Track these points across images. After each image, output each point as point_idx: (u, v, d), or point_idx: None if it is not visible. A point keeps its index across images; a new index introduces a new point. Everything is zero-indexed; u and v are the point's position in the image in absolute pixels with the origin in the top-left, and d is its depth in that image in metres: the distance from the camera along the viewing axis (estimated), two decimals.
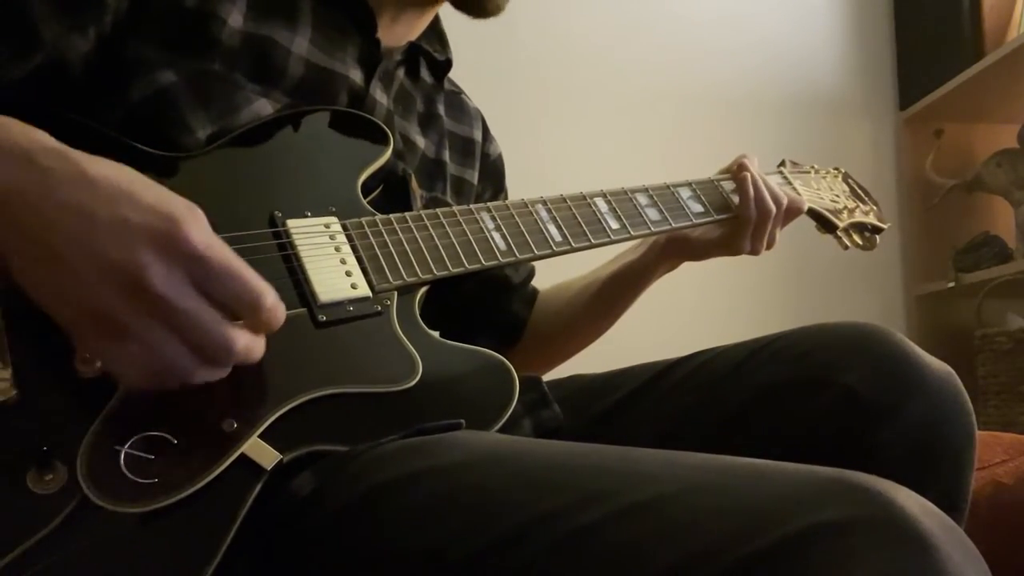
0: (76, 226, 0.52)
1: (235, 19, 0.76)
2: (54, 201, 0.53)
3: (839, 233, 1.10)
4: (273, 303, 0.56)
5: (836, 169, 1.19)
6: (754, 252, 1.00)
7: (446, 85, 1.02)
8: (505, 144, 1.10)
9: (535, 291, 1.12)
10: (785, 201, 1.00)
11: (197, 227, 0.54)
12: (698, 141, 2.01)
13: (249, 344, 0.56)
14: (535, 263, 1.04)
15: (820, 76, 2.20)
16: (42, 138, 0.56)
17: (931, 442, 0.69)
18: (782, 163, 1.12)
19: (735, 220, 0.98)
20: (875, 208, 1.17)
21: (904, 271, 2.17)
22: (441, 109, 0.99)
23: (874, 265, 2.13)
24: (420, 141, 0.94)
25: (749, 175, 0.98)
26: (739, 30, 2.14)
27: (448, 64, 1.00)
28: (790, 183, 1.08)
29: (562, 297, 1.09)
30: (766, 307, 2.00)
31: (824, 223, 1.10)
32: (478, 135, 1.05)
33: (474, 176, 1.02)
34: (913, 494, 0.43)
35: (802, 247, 1.99)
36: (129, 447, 0.55)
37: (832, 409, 0.70)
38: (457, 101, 1.04)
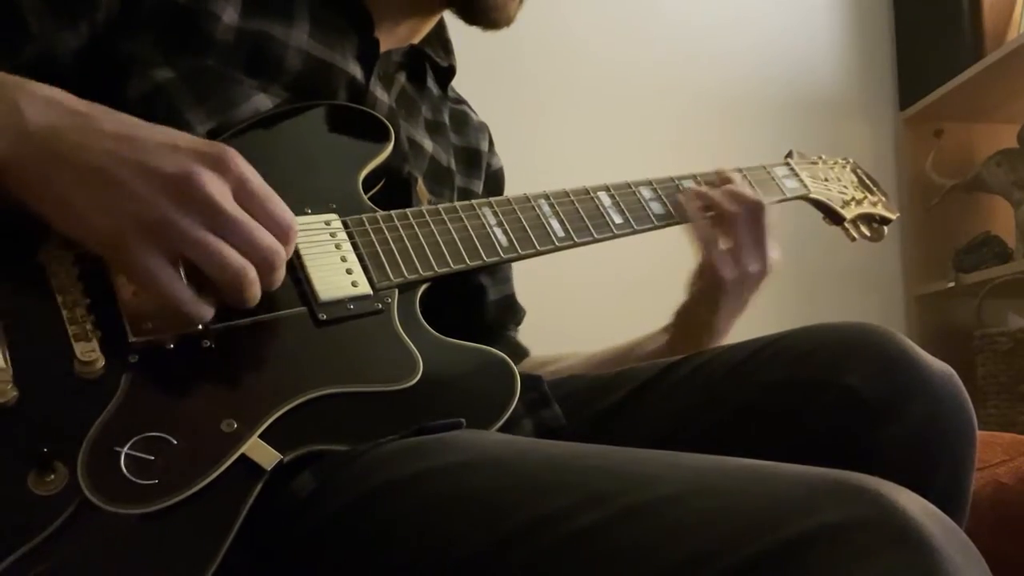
0: (127, 150, 0.58)
1: (229, 15, 0.76)
2: (101, 133, 0.58)
3: (846, 225, 1.09)
4: (297, 231, 0.63)
5: (844, 159, 1.17)
6: (744, 275, 0.90)
7: (450, 93, 1.02)
8: (508, 147, 1.10)
9: (523, 348, 1.06)
10: (745, 203, 0.91)
11: (241, 157, 0.60)
12: (699, 142, 2.01)
13: (284, 256, 0.62)
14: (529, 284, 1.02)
15: (820, 76, 2.20)
16: (67, 97, 0.60)
17: (932, 443, 0.69)
18: (789, 154, 1.10)
19: (698, 247, 0.91)
20: (883, 199, 1.15)
21: (904, 271, 2.17)
22: (446, 121, 0.99)
23: (874, 265, 2.13)
24: (428, 145, 0.93)
25: (693, 190, 0.92)
26: (739, 31, 2.14)
27: (451, 71, 1.00)
28: (797, 175, 1.06)
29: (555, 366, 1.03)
30: (766, 307, 1.99)
31: (831, 215, 1.09)
32: (484, 146, 1.04)
33: (479, 187, 1.02)
34: (914, 495, 0.43)
35: (802, 247, 1.99)
36: (129, 448, 0.55)
37: (832, 410, 0.70)
38: (461, 115, 1.03)
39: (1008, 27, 2.03)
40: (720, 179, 0.96)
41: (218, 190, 0.58)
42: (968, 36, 2.02)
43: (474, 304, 1.00)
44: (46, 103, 0.59)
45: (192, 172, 0.57)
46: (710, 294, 0.91)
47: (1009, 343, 1.82)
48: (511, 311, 1.05)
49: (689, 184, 0.95)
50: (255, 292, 0.60)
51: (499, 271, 1.02)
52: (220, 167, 0.59)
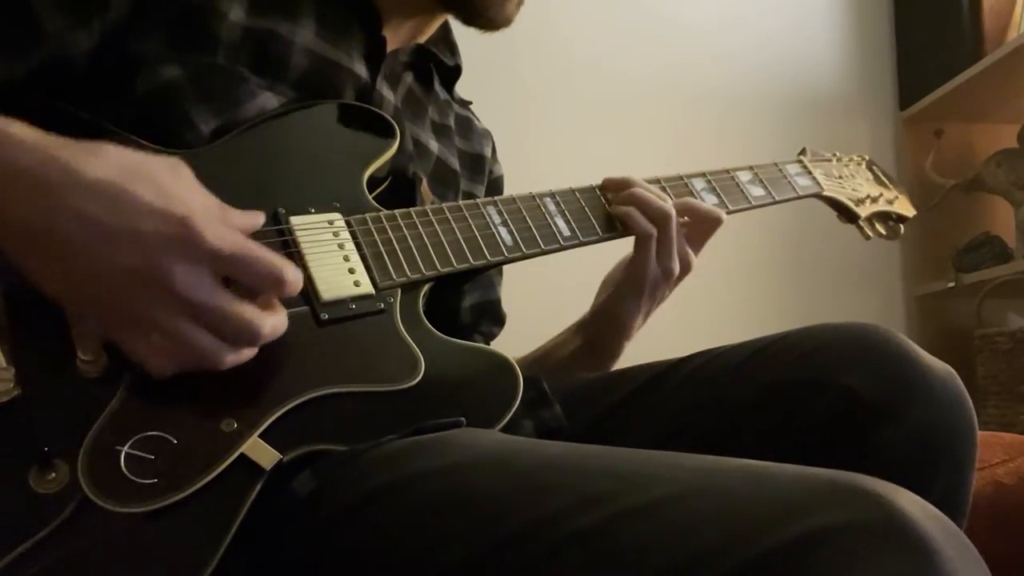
0: (89, 239, 0.55)
1: (236, 13, 0.76)
2: (57, 211, 0.55)
3: (861, 223, 1.08)
4: (294, 275, 0.59)
5: (860, 156, 1.16)
6: (667, 271, 0.88)
7: (456, 96, 1.02)
8: (508, 150, 1.10)
9: None
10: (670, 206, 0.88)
11: (206, 222, 0.56)
12: (699, 142, 2.01)
13: (275, 324, 0.60)
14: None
15: (820, 76, 2.20)
16: (21, 135, 0.57)
17: (932, 443, 0.69)
18: (802, 151, 1.09)
19: (636, 245, 0.89)
20: (900, 196, 1.14)
21: (904, 271, 2.17)
22: (452, 124, 0.99)
23: (874, 265, 2.13)
24: (433, 146, 0.93)
25: (624, 194, 0.89)
26: (739, 32, 2.14)
27: (457, 71, 1.00)
28: (810, 172, 1.05)
29: None
30: (766, 307, 1.99)
31: (845, 213, 1.07)
32: (488, 152, 1.04)
33: (482, 192, 1.02)
34: (914, 496, 0.43)
35: (802, 247, 2.00)
36: (129, 447, 0.55)
37: (833, 410, 0.70)
38: (466, 121, 1.03)
39: (1008, 27, 2.03)
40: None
41: (187, 279, 0.55)
42: (968, 36, 2.01)
43: (445, 307, 0.96)
44: (12, 176, 0.55)
45: (157, 266, 0.55)
46: (631, 291, 0.90)
47: (1009, 343, 1.82)
48: (486, 317, 1.02)
49: (699, 182, 0.94)
50: (231, 364, 0.59)
51: (483, 275, 1.00)
52: (189, 250, 0.56)
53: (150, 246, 0.55)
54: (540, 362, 0.99)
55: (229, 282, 0.58)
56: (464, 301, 0.99)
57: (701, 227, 0.91)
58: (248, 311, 0.58)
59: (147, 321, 0.55)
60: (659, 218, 0.87)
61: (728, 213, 0.93)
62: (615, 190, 0.90)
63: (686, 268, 0.90)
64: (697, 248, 0.92)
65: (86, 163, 0.56)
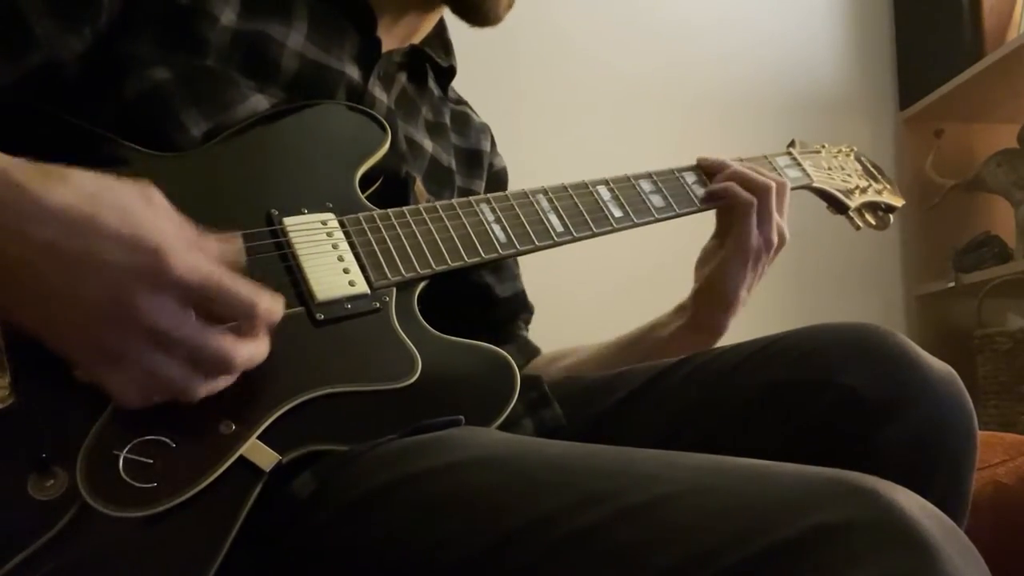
0: (54, 267, 0.53)
1: (227, 16, 0.76)
2: (22, 243, 0.52)
3: (851, 213, 1.08)
4: (267, 307, 0.58)
5: (848, 147, 1.16)
6: (768, 241, 0.93)
7: (451, 94, 1.02)
8: (507, 149, 1.10)
9: (533, 346, 1.05)
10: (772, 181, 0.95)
11: (175, 251, 0.54)
12: (699, 142, 1.98)
13: (251, 352, 0.58)
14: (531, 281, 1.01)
15: (820, 76, 2.20)
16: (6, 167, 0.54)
17: (932, 443, 0.68)
18: (791, 143, 1.10)
19: (733, 212, 0.93)
20: (888, 186, 1.14)
21: (904, 271, 2.17)
22: (447, 122, 0.99)
23: (874, 265, 2.13)
24: (428, 144, 0.93)
25: (726, 172, 0.95)
26: (739, 32, 2.14)
27: (452, 71, 1.00)
28: (799, 163, 1.06)
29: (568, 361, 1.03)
30: (766, 307, 1.98)
31: (835, 204, 1.08)
32: (486, 146, 1.04)
33: (481, 187, 1.02)
34: (913, 495, 0.43)
35: (802, 247, 1.99)
36: (128, 451, 0.55)
37: (833, 410, 0.70)
38: (462, 116, 1.03)
39: (1008, 27, 2.03)
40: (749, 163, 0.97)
41: (155, 311, 0.53)
42: (968, 36, 2.01)
43: (482, 303, 1.00)
44: None
45: (124, 299, 0.53)
46: (735, 264, 0.92)
47: (1009, 343, 1.82)
48: (521, 308, 1.05)
49: (691, 176, 0.95)
50: (206, 394, 0.57)
51: (504, 268, 1.02)
52: (157, 281, 0.54)
53: (114, 277, 0.53)
54: (635, 345, 0.99)
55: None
56: (496, 294, 1.00)
57: (779, 196, 0.95)
58: (221, 340, 0.56)
59: (115, 354, 0.54)
60: (758, 188, 0.93)
61: (721, 205, 0.95)
62: (712, 171, 0.96)
63: (783, 239, 0.95)
64: (781, 216, 0.95)
65: (50, 189, 0.53)
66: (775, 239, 0.93)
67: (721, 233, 0.95)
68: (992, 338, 1.86)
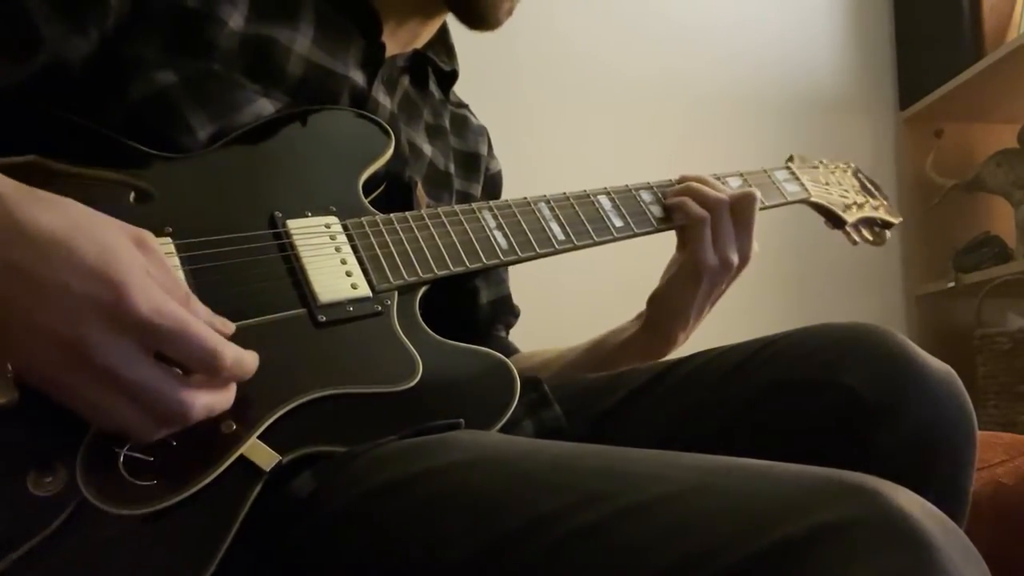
0: (16, 291, 0.51)
1: (235, 21, 0.76)
2: None
3: (848, 229, 1.09)
4: (233, 360, 0.55)
5: (846, 164, 1.17)
6: (725, 261, 0.90)
7: (452, 98, 1.02)
8: (507, 152, 1.10)
9: (510, 347, 1.06)
10: (726, 195, 0.92)
11: (141, 289, 0.52)
12: (700, 143, 2.01)
13: (210, 402, 0.56)
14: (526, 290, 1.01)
15: (820, 76, 2.20)
16: None
17: (932, 443, 0.68)
18: (790, 158, 1.11)
19: (685, 228, 0.91)
20: (885, 203, 1.15)
21: (904, 271, 2.17)
22: (447, 125, 0.99)
23: (874, 265, 2.13)
24: (427, 149, 0.93)
25: (678, 187, 0.93)
26: (740, 32, 2.14)
27: (454, 75, 1.00)
28: (797, 178, 1.06)
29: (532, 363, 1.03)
30: (766, 307, 1.99)
31: (832, 219, 1.09)
32: (483, 149, 1.05)
33: (478, 190, 1.02)
34: (913, 495, 0.43)
35: (802, 248, 2.00)
36: (128, 449, 0.55)
37: (832, 410, 0.70)
38: (462, 119, 1.04)
39: (1008, 27, 2.03)
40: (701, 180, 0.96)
41: (112, 352, 0.51)
42: (968, 36, 2.01)
43: (466, 306, 1.01)
44: None
45: (80, 335, 0.51)
46: (688, 280, 0.91)
47: (1009, 343, 1.82)
48: (504, 311, 1.06)
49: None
50: (160, 437, 0.55)
51: (493, 273, 1.03)
52: (117, 318, 0.51)
53: (75, 308, 0.51)
54: (595, 349, 0.99)
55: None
56: (481, 299, 1.01)
57: (740, 210, 0.92)
58: (176, 389, 0.53)
59: (67, 387, 0.52)
60: (711, 205, 0.90)
61: None
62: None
63: (745, 258, 0.92)
64: (745, 234, 0.92)
65: (35, 214, 0.52)
66: (734, 258, 0.90)
67: (680, 241, 0.94)
68: (992, 338, 1.86)
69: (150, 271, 0.54)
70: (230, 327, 0.59)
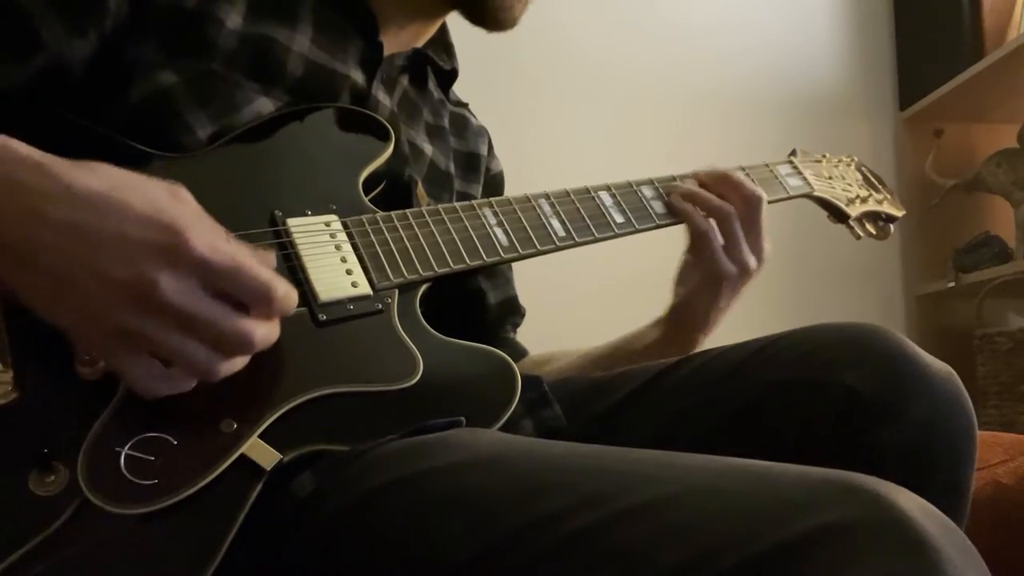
0: (74, 246, 0.53)
1: (233, 20, 0.76)
2: (44, 223, 0.53)
3: (851, 223, 1.08)
4: (285, 291, 0.58)
5: (848, 157, 1.16)
6: (743, 267, 0.90)
7: (451, 97, 1.02)
8: (507, 150, 1.10)
9: (520, 348, 1.06)
10: (741, 195, 0.92)
11: (197, 231, 0.55)
12: (700, 143, 2.01)
13: (267, 333, 0.58)
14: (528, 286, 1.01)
15: (820, 76, 2.20)
16: (17, 149, 0.55)
17: (932, 443, 0.69)
18: (793, 152, 1.10)
19: (695, 237, 0.91)
20: (889, 196, 1.14)
21: (904, 271, 2.17)
22: (446, 125, 0.99)
23: (874, 265, 2.13)
24: (427, 149, 0.93)
25: (682, 191, 0.92)
26: (740, 32, 2.14)
27: (454, 74, 1.00)
28: (800, 172, 1.06)
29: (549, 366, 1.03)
30: (766, 307, 1.99)
31: (835, 213, 1.08)
32: (483, 149, 1.04)
33: (478, 191, 1.02)
34: (914, 496, 0.43)
35: (802, 247, 2.00)
36: (129, 448, 0.55)
37: (832, 410, 0.70)
38: (461, 119, 1.03)
39: (1008, 27, 2.03)
40: (718, 176, 0.95)
41: (176, 290, 0.54)
42: (968, 36, 2.01)
43: (474, 306, 1.01)
44: (6, 189, 0.54)
45: (144, 276, 0.53)
46: (708, 288, 0.91)
47: (1009, 343, 1.82)
48: (512, 312, 1.06)
49: (690, 183, 0.95)
50: (227, 373, 0.58)
51: (498, 273, 1.03)
52: (175, 258, 0.54)
53: (136, 252, 0.53)
54: (612, 354, 0.99)
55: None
56: (490, 300, 1.01)
57: (747, 214, 0.92)
58: (239, 319, 0.56)
59: (135, 334, 0.53)
60: (718, 215, 0.90)
61: None
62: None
63: (761, 258, 0.92)
64: (756, 237, 0.92)
65: (80, 176, 0.55)
66: (750, 261, 0.91)
67: (692, 251, 0.93)
68: (992, 338, 1.86)
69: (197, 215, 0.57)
70: (272, 259, 0.60)
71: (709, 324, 0.93)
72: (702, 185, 0.94)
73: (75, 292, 0.53)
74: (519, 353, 1.04)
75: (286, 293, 0.58)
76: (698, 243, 0.91)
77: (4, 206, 0.53)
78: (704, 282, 0.91)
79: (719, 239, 0.90)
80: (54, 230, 0.53)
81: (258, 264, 0.57)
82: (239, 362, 0.58)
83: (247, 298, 0.56)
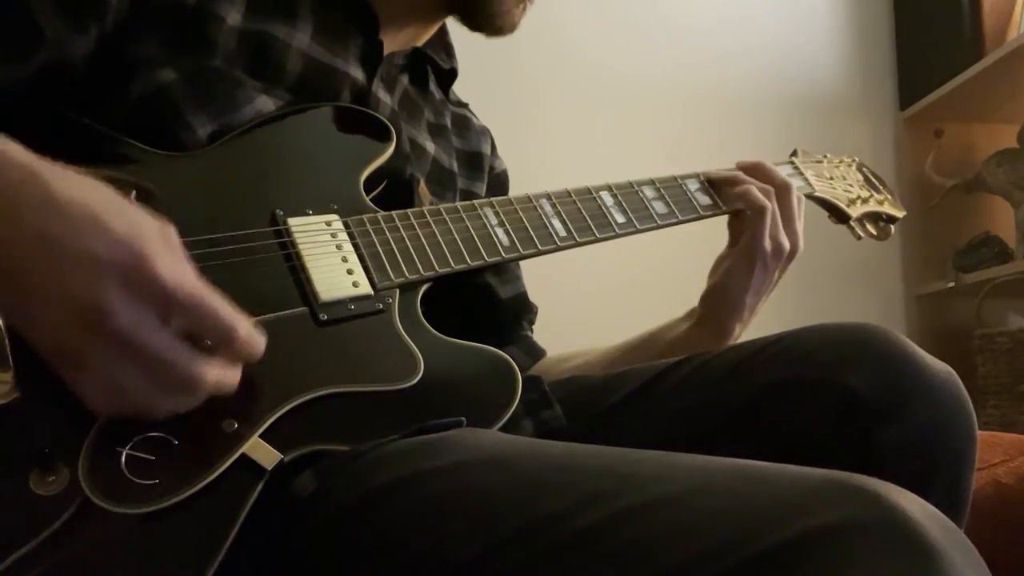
0: (41, 257, 0.52)
1: (233, 18, 0.76)
2: (20, 230, 0.52)
3: (852, 223, 1.09)
4: (246, 334, 0.57)
5: (850, 158, 1.17)
6: (778, 247, 0.93)
7: (451, 97, 1.02)
8: (508, 150, 1.10)
9: (538, 348, 1.05)
10: (777, 180, 0.95)
11: (166, 260, 0.54)
12: (700, 143, 2.01)
13: (220, 377, 0.56)
14: (536, 287, 1.01)
15: (820, 76, 2.20)
16: (13, 153, 0.55)
17: (932, 443, 0.69)
18: (794, 153, 1.10)
19: (744, 220, 0.94)
20: (890, 197, 1.15)
21: (904, 271, 2.17)
22: (448, 124, 0.99)
23: (874, 265, 2.13)
24: (430, 147, 0.93)
25: (724, 176, 0.96)
26: (740, 33, 2.14)
27: (453, 74, 1.00)
28: (801, 173, 1.06)
29: (574, 363, 1.03)
30: (766, 307, 1.99)
31: (836, 213, 1.09)
32: (486, 149, 1.04)
33: (482, 189, 1.02)
34: (914, 496, 0.43)
35: (802, 247, 1.99)
36: (130, 448, 0.55)
37: (832, 410, 0.70)
38: (463, 119, 1.04)
39: (1008, 27, 2.03)
40: (750, 165, 0.98)
41: (129, 319, 0.52)
42: (968, 36, 2.02)
43: (485, 304, 1.00)
44: None
45: (99, 299, 0.52)
46: (742, 271, 0.93)
47: (1009, 343, 1.82)
48: (524, 309, 1.05)
49: (694, 183, 0.95)
50: (166, 415, 0.56)
51: (507, 270, 1.02)
52: (139, 285, 0.53)
53: (100, 274, 0.52)
54: (643, 347, 0.99)
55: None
56: (500, 295, 1.01)
57: (781, 198, 0.94)
58: (190, 359, 0.54)
59: (80, 356, 0.53)
60: (778, 186, 0.93)
61: (723, 213, 0.95)
62: (717, 182, 0.96)
63: (795, 246, 0.94)
64: (790, 223, 0.95)
65: (68, 186, 0.54)
66: (786, 244, 0.93)
67: (734, 238, 0.96)
68: (992, 338, 1.87)
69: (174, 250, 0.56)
70: (262, 341, 0.59)
71: (741, 307, 0.94)
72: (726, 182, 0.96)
73: (32, 305, 0.52)
74: (538, 353, 1.04)
75: (248, 334, 0.57)
76: (752, 221, 0.92)
77: None
78: (738, 260, 0.93)
79: (769, 217, 0.92)
80: (27, 239, 0.52)
81: (223, 304, 0.56)
82: (183, 404, 0.56)
83: (208, 336, 0.56)
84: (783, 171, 1.04)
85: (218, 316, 0.55)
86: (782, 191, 0.94)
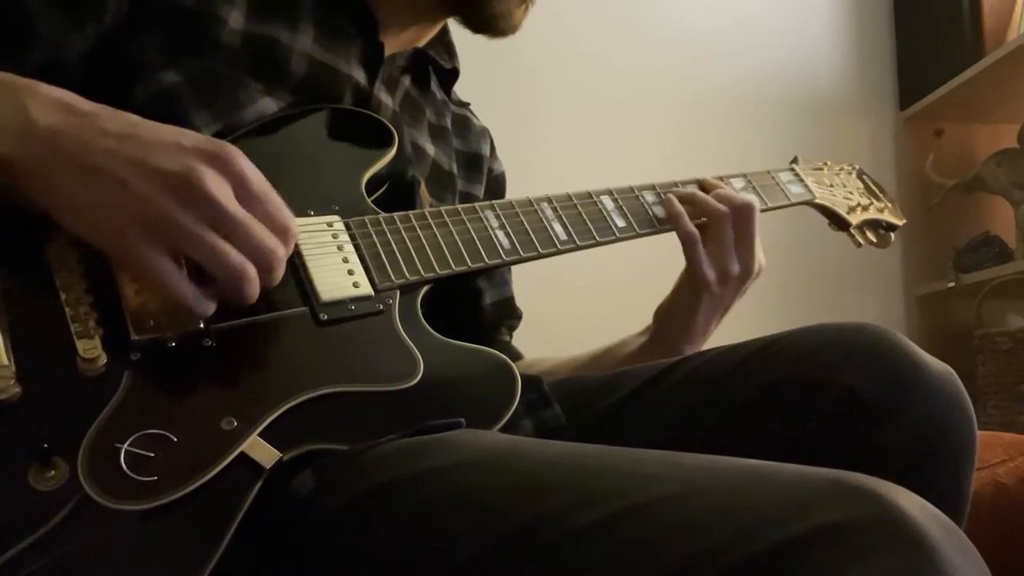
0: (129, 149, 0.58)
1: (235, 19, 0.76)
2: (104, 132, 0.59)
3: (852, 230, 1.09)
4: (295, 234, 0.63)
5: (850, 165, 1.17)
6: (723, 273, 0.89)
7: (453, 97, 1.02)
8: (508, 151, 1.10)
9: (514, 351, 1.06)
10: (732, 204, 0.90)
11: (243, 156, 0.61)
12: (700, 143, 2.01)
13: (284, 256, 0.62)
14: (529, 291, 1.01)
15: (820, 76, 2.20)
16: (74, 95, 0.61)
17: (931, 443, 0.69)
18: (794, 160, 1.11)
19: (683, 247, 0.90)
20: (890, 205, 1.15)
21: (904, 271, 2.17)
22: (449, 125, 0.99)
23: (874, 265, 2.13)
24: (430, 149, 0.94)
25: (681, 193, 0.92)
26: (740, 32, 2.14)
27: (455, 73, 1.00)
28: (802, 180, 1.06)
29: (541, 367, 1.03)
30: (766, 307, 1.99)
31: (836, 220, 1.09)
32: (486, 150, 1.05)
33: (480, 191, 1.02)
34: (914, 496, 0.43)
35: (802, 248, 2.00)
36: (129, 445, 0.55)
37: (832, 410, 0.70)
38: (463, 120, 1.04)
39: (1008, 27, 2.03)
40: (710, 185, 0.96)
41: (219, 189, 0.58)
42: (968, 36, 2.02)
43: (469, 307, 1.01)
44: (53, 104, 0.59)
45: (192, 170, 0.57)
46: (688, 294, 0.91)
47: (1009, 343, 1.82)
48: (507, 314, 1.06)
49: (692, 188, 0.95)
50: (254, 290, 0.60)
51: (497, 274, 1.03)
52: (221, 165, 0.59)
53: (188, 153, 0.58)
54: (599, 361, 0.99)
55: None
56: (484, 301, 1.01)
57: (738, 221, 0.90)
58: (267, 233, 0.60)
59: (172, 224, 0.57)
60: (712, 217, 0.89)
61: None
62: (710, 188, 0.93)
63: (748, 270, 0.90)
64: (745, 244, 0.91)
65: (121, 113, 0.61)
66: (733, 269, 0.89)
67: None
68: (992, 338, 1.87)
69: None
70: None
71: (690, 333, 0.92)
72: (703, 190, 0.94)
73: (121, 185, 0.57)
74: (514, 357, 1.04)
75: (296, 236, 0.63)
76: (684, 248, 0.90)
77: (60, 122, 0.58)
78: (685, 289, 0.92)
79: (702, 247, 0.89)
80: (109, 136, 0.58)
81: (283, 202, 0.62)
82: (254, 288, 0.60)
83: (270, 224, 0.61)
84: (783, 177, 1.04)
85: (281, 210, 0.62)
86: (739, 214, 0.90)
